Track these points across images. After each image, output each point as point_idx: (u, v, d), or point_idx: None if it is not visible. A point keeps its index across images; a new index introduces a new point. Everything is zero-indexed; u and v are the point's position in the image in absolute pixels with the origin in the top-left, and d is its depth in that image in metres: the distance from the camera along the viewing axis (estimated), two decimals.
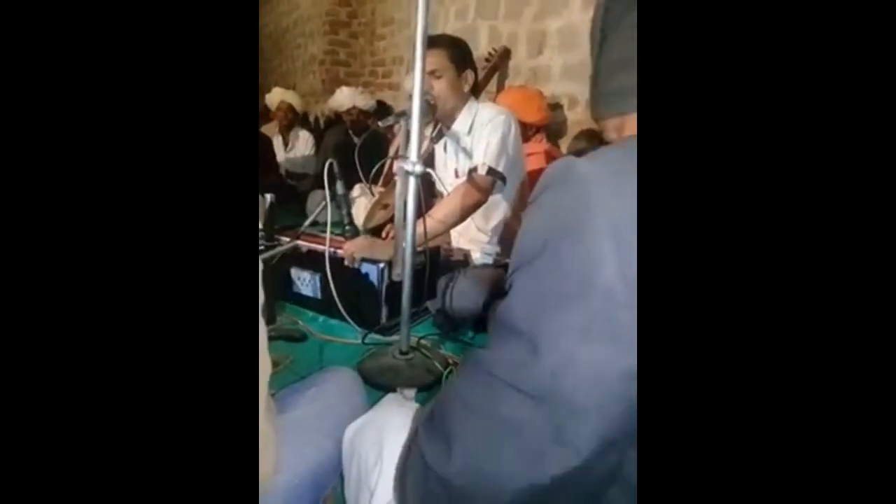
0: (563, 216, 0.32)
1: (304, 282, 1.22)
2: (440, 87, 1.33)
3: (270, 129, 3.08)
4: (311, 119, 4.06)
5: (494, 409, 0.34)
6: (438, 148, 1.52)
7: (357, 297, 1.11)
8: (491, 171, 1.28)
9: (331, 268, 1.10)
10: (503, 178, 1.31)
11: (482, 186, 1.28)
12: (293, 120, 3.10)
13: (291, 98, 3.08)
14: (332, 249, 1.12)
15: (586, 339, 0.30)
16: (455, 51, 1.35)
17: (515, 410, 0.33)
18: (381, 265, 1.09)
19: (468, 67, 1.38)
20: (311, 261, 1.18)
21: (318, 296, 1.20)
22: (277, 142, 3.07)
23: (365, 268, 1.10)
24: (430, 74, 1.31)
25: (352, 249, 1.10)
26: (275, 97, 3.01)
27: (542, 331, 0.32)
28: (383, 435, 0.54)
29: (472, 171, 1.30)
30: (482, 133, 1.34)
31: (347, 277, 1.11)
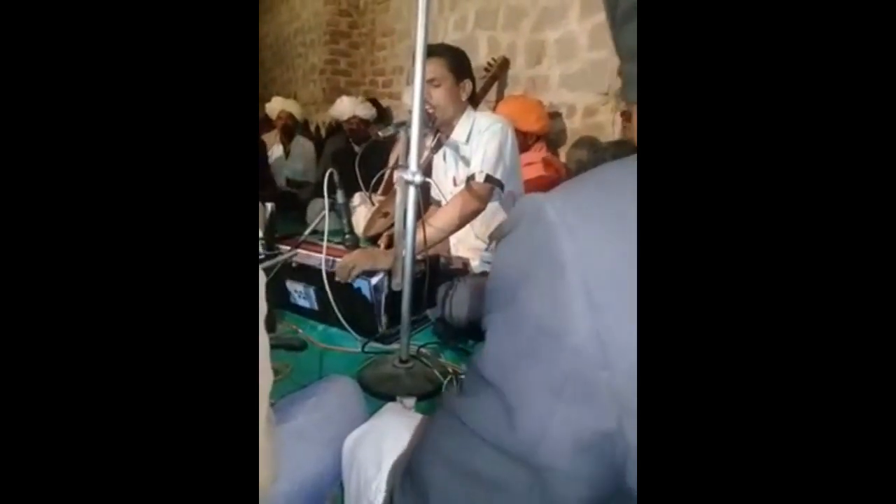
0: (532, 265, 0.30)
1: (300, 294, 1.22)
2: (438, 95, 1.34)
3: (270, 138, 3.10)
4: (312, 128, 4.08)
5: (475, 465, 0.32)
6: (437, 157, 1.53)
7: (353, 309, 1.11)
8: (489, 179, 1.29)
9: (327, 279, 1.10)
10: (501, 186, 1.31)
11: (480, 194, 1.29)
12: (293, 128, 3.12)
13: (291, 107, 3.10)
14: (330, 259, 1.12)
15: (559, 398, 0.29)
16: (453, 60, 1.36)
17: (497, 468, 0.31)
18: (374, 281, 1.09)
19: (466, 77, 1.39)
20: (305, 273, 1.18)
21: (315, 307, 1.20)
22: (278, 150, 3.09)
23: (357, 283, 1.10)
24: (428, 83, 1.32)
25: (352, 263, 1.10)
26: (275, 106, 3.03)
27: (514, 388, 0.30)
28: (382, 445, 0.54)
29: (470, 178, 1.31)
30: (479, 141, 1.35)
31: (342, 290, 1.11)
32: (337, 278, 1.09)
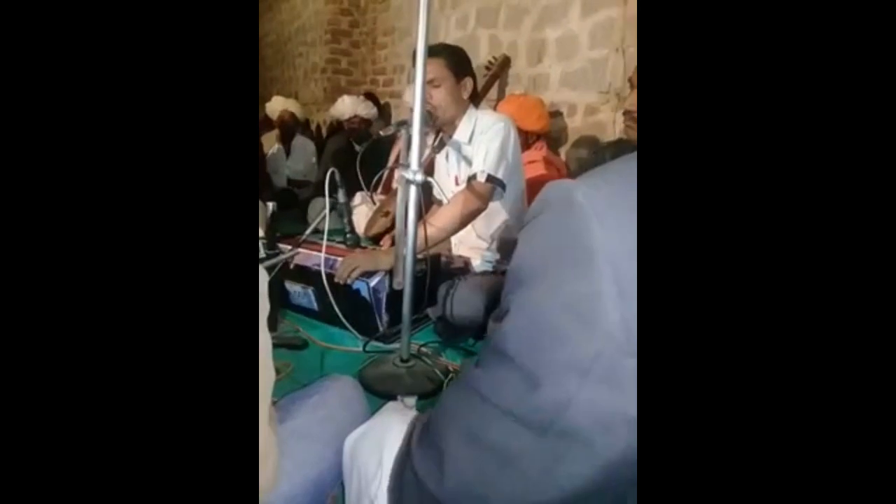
0: (564, 246, 0.31)
1: (299, 295, 1.22)
2: (439, 95, 1.33)
3: (269, 139, 3.10)
4: (313, 127, 4.08)
5: (489, 435, 0.33)
6: (440, 156, 1.53)
7: (353, 308, 1.11)
8: (490, 179, 1.29)
9: (327, 280, 1.09)
10: (503, 185, 1.31)
11: (481, 193, 1.29)
12: (294, 128, 3.12)
13: (291, 106, 3.10)
14: (330, 259, 1.12)
15: (586, 379, 0.30)
16: (453, 59, 1.36)
17: (511, 439, 0.32)
18: (372, 283, 1.09)
19: (467, 75, 1.39)
20: (303, 274, 1.18)
21: (315, 307, 1.20)
22: (275, 149, 3.09)
23: (356, 284, 1.10)
24: (428, 83, 1.31)
25: (353, 263, 1.10)
26: (275, 106, 3.03)
27: (541, 365, 0.31)
28: (383, 444, 0.54)
29: (472, 178, 1.31)
30: (482, 140, 1.34)
31: (341, 290, 1.11)
32: (336, 279, 1.09)
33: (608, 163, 0.35)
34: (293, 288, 1.23)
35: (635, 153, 0.34)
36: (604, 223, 0.30)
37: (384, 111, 3.40)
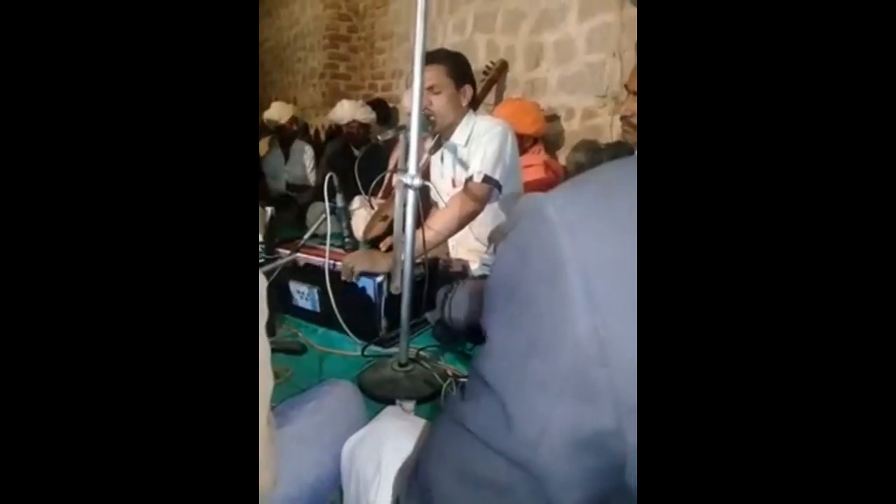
0: (533, 262, 0.31)
1: (303, 295, 1.22)
2: (439, 102, 1.34)
3: (262, 144, 3.11)
4: (312, 132, 4.09)
5: (477, 471, 0.32)
6: (435, 158, 1.53)
7: (355, 310, 1.12)
8: (487, 179, 1.29)
9: (329, 281, 1.10)
10: (499, 186, 1.31)
11: (478, 195, 1.29)
12: (293, 133, 3.13)
13: (291, 111, 3.11)
14: (331, 262, 1.13)
15: (558, 396, 0.29)
16: (453, 66, 1.36)
17: (499, 473, 0.31)
18: (378, 279, 1.09)
19: (467, 82, 1.39)
20: (309, 274, 1.18)
21: (317, 309, 1.20)
22: (277, 154, 3.10)
23: (362, 282, 1.10)
24: (428, 90, 1.32)
25: (351, 263, 1.10)
26: (275, 112, 3.04)
27: (513, 388, 0.31)
28: (382, 448, 0.54)
29: (468, 179, 1.31)
30: (479, 143, 1.35)
31: (345, 291, 1.11)
32: (343, 277, 1.10)
33: (585, 172, 0.34)
34: (298, 288, 1.23)
35: (616, 161, 0.34)
36: (574, 234, 0.29)
37: (391, 117, 3.40)
